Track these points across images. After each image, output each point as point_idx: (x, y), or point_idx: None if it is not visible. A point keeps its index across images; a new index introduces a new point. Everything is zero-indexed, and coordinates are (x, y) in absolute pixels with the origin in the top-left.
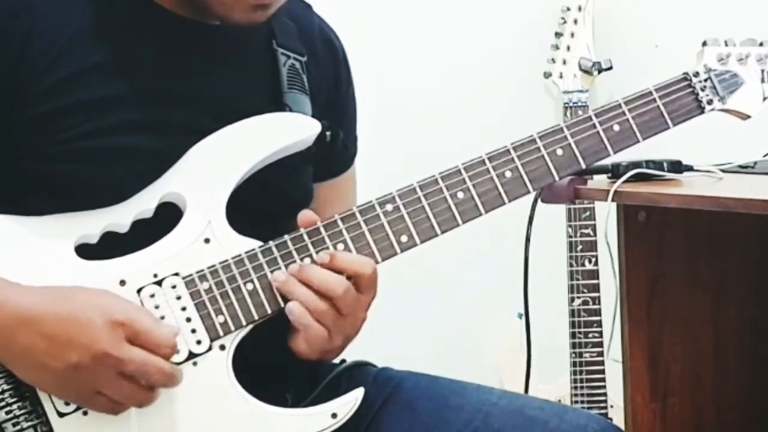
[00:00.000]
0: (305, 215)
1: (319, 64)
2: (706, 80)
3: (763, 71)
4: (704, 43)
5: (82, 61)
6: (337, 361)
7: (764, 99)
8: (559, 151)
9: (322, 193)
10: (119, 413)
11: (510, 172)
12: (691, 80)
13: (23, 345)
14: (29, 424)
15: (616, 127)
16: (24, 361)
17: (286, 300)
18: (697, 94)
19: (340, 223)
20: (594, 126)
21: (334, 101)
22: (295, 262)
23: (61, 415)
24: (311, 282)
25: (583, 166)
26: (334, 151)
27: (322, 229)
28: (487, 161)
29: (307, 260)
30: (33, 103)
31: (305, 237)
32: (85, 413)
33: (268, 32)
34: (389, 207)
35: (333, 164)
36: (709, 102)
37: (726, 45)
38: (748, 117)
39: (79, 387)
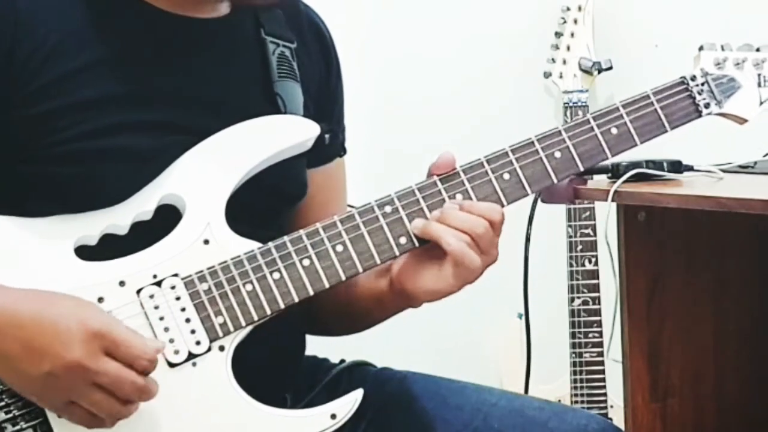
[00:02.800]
0: (442, 159)
1: (309, 52)
2: (703, 84)
3: (759, 75)
4: (701, 48)
5: (72, 62)
6: (335, 360)
7: (761, 103)
8: (558, 154)
9: (315, 180)
10: (95, 427)
11: (508, 174)
12: (688, 84)
13: (3, 349)
14: (28, 424)
15: (614, 131)
16: (4, 366)
17: (399, 243)
18: (695, 98)
19: (339, 224)
20: (592, 129)
21: (325, 88)
22: (293, 263)
23: (60, 415)
24: (453, 223)
25: (581, 169)
26: (326, 141)
27: (321, 231)
28: (485, 164)
29: (306, 261)
30: (24, 105)
31: (304, 238)
32: None
33: (255, 22)
34: (388, 209)
35: (324, 152)
36: (707, 106)
37: (722, 50)
38: (745, 121)
39: (53, 395)
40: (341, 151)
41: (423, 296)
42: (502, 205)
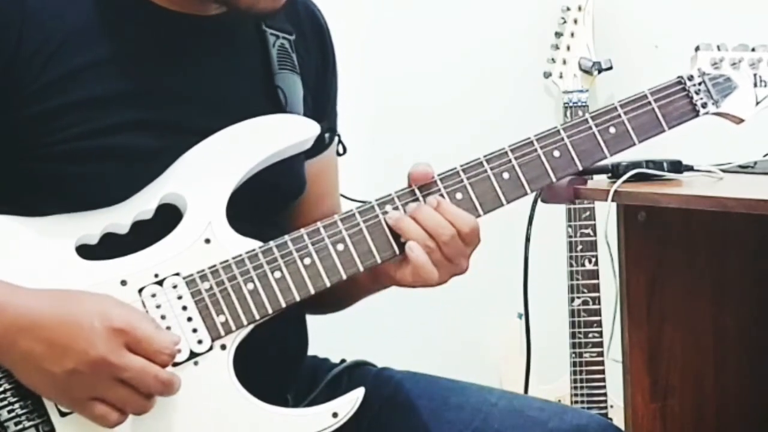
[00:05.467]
0: (419, 171)
1: (307, 43)
2: (700, 84)
3: (755, 75)
4: (697, 48)
5: (77, 60)
6: (336, 360)
7: (757, 103)
8: (556, 153)
9: (311, 172)
10: (115, 425)
11: (507, 173)
12: (685, 84)
13: (23, 350)
14: (31, 423)
15: (612, 130)
16: (24, 366)
17: (398, 241)
18: (692, 98)
19: (340, 224)
20: (590, 128)
21: (322, 79)
22: (295, 262)
23: (63, 414)
24: (423, 222)
25: (580, 168)
26: (326, 140)
27: (322, 230)
28: (484, 163)
29: (307, 260)
30: (29, 103)
31: (305, 237)
32: None
33: None
34: (389, 208)
35: (319, 143)
36: (704, 105)
37: (719, 50)
38: (742, 121)
39: (76, 392)
40: (334, 139)
41: (387, 281)
42: (502, 204)
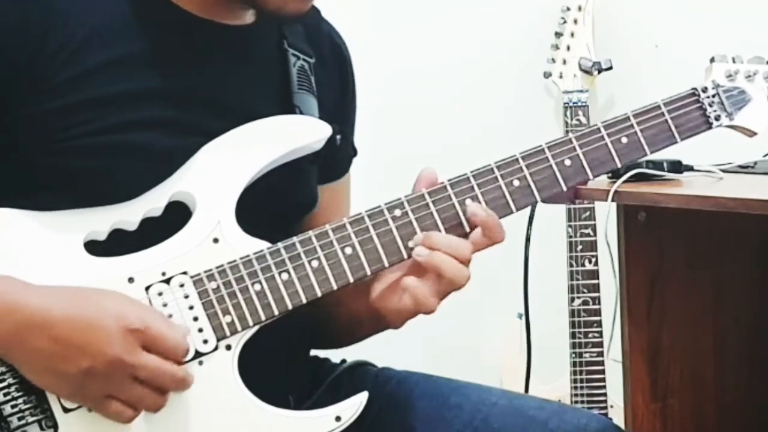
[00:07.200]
0: (427, 175)
1: (327, 68)
2: (714, 96)
3: None
4: (712, 60)
5: (99, 57)
6: (336, 360)
7: None
8: (567, 162)
9: (324, 196)
10: (129, 422)
11: (518, 180)
12: (699, 96)
13: (34, 348)
14: (34, 418)
15: (624, 140)
16: (35, 365)
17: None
18: (705, 110)
19: (348, 227)
20: (602, 138)
21: (341, 106)
22: (302, 263)
23: (66, 410)
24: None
25: (591, 178)
26: (338, 156)
27: (330, 233)
28: (495, 170)
29: (315, 262)
30: (48, 97)
31: (313, 239)
32: (90, 409)
33: (278, 33)
34: (398, 212)
35: (335, 168)
36: (717, 118)
37: (734, 62)
38: (755, 134)
39: (90, 391)
40: (349, 168)
41: (390, 316)
42: (511, 212)
